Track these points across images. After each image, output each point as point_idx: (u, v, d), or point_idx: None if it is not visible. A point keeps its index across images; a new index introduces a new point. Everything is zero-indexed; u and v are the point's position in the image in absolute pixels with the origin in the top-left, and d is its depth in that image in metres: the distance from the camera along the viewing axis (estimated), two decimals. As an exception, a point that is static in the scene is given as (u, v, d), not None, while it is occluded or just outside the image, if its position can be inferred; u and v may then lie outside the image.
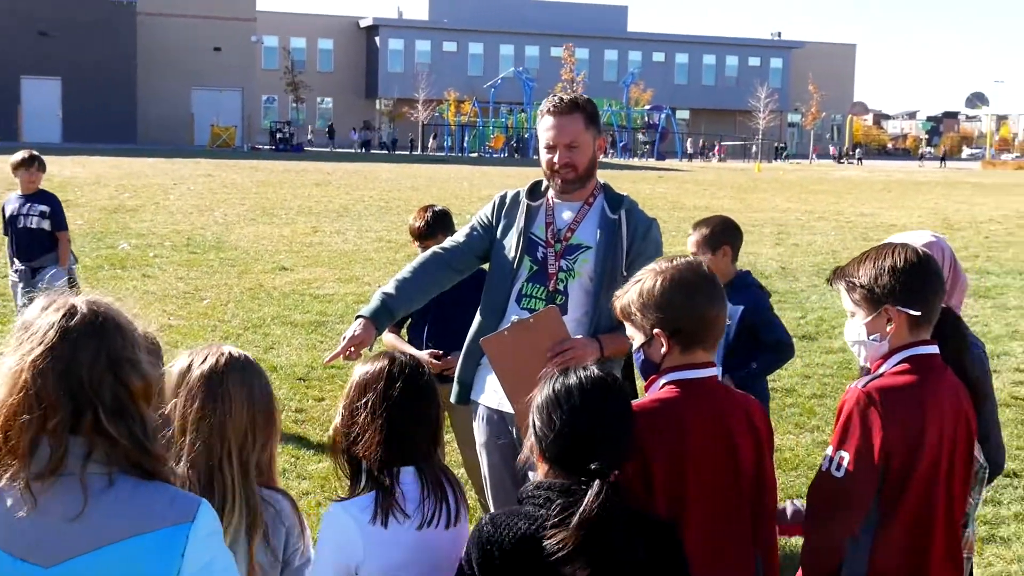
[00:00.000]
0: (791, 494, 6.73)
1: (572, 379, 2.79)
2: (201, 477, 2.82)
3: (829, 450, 3.22)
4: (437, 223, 6.19)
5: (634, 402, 3.01)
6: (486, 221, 4.70)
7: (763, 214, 28.40)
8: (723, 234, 5.84)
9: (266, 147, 63.26)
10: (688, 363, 3.12)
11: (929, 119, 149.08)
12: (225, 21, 65.66)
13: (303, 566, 2.98)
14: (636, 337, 3.20)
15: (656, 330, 3.12)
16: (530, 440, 2.81)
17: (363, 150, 69.60)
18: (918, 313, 3.25)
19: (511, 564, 2.64)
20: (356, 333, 4.25)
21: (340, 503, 3.07)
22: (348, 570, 2.97)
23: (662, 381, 3.14)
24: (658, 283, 3.13)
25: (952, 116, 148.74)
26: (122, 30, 60.35)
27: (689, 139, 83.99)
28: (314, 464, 7.30)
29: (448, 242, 4.80)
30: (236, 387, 2.89)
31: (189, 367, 2.92)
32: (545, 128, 4.43)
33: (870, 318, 3.30)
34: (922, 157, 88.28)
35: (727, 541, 3.10)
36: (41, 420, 2.20)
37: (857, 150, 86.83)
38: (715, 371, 3.21)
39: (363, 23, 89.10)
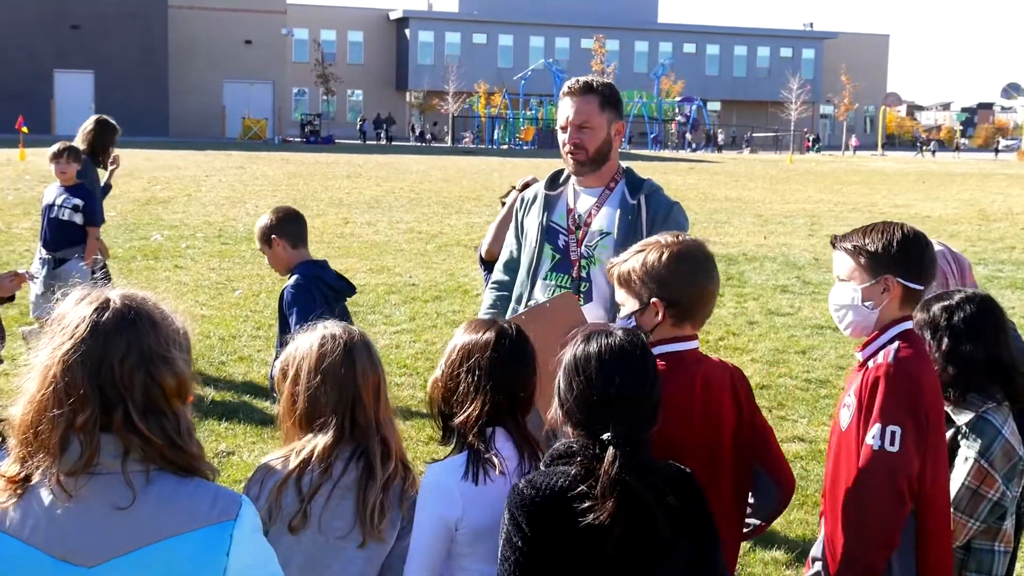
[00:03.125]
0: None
1: (592, 346, 2.84)
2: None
3: (875, 428, 3.22)
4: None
5: None
6: (515, 231, 4.74)
7: (795, 205, 28.25)
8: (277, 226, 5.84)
9: (297, 139, 63.42)
10: (675, 336, 3.28)
11: (963, 110, 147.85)
12: (256, 14, 65.87)
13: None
14: (628, 303, 3.34)
15: (654, 299, 3.26)
16: (555, 402, 2.88)
17: (387, 142, 69.32)
18: (920, 287, 3.37)
19: (558, 520, 2.70)
20: None
21: (437, 464, 3.19)
22: (448, 526, 3.03)
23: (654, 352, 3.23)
24: (664, 256, 3.26)
25: (987, 107, 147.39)
26: (154, 23, 60.70)
27: (720, 130, 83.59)
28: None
29: (497, 273, 4.84)
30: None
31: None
32: (561, 109, 4.46)
33: (867, 284, 3.37)
34: (921, 147, 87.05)
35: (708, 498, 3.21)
36: (71, 415, 2.17)
37: (932, 143, 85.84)
38: (697, 343, 3.36)
39: (393, 15, 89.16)
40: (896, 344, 3.33)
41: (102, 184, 10.32)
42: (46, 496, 2.19)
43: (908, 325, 3.39)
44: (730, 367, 3.46)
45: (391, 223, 21.14)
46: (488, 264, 6.41)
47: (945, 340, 3.77)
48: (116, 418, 2.19)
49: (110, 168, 10.48)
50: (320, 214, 21.98)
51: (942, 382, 3.59)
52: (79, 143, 9.83)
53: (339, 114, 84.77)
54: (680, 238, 3.33)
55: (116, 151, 10.26)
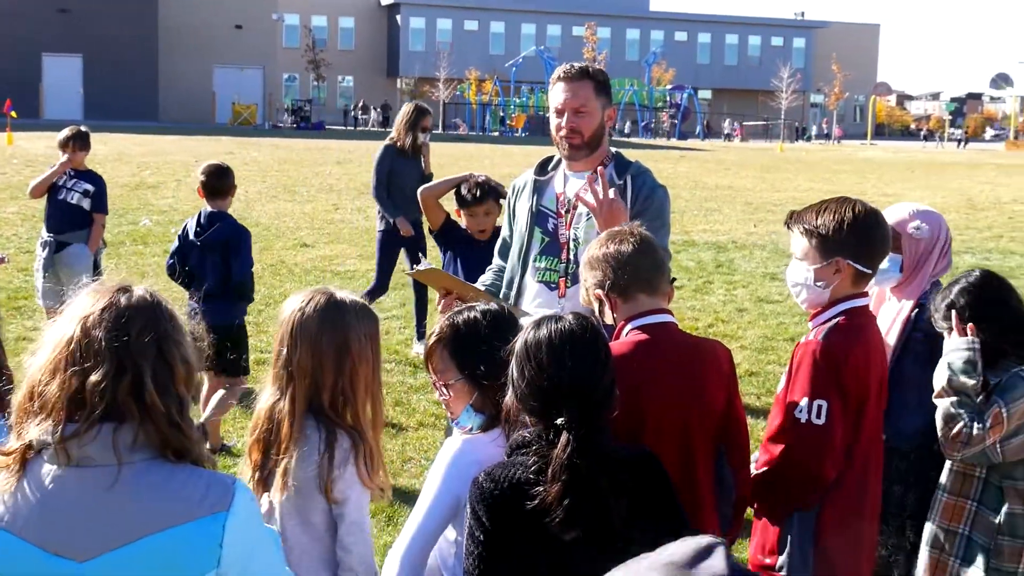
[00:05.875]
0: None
1: (543, 332, 2.84)
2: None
3: (804, 401, 3.36)
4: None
5: None
6: (507, 217, 4.84)
7: (785, 194, 28.27)
8: None
9: (287, 125, 63.26)
10: (641, 311, 3.32)
11: (953, 100, 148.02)
12: (246, -1, 65.68)
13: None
14: (595, 305, 3.44)
15: (596, 292, 3.36)
16: (508, 390, 2.88)
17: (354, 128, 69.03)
18: (869, 271, 3.49)
19: (518, 511, 2.69)
20: None
21: (464, 437, 3.15)
22: (459, 504, 3.02)
23: (628, 328, 3.32)
24: (592, 250, 3.44)
25: (976, 97, 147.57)
26: (143, 7, 60.41)
27: (708, 119, 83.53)
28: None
29: (495, 259, 4.94)
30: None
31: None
32: (555, 94, 4.47)
33: (819, 265, 3.49)
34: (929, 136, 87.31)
35: (688, 476, 3.23)
36: (85, 374, 2.19)
37: (958, 132, 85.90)
38: (671, 317, 3.39)
39: (384, 1, 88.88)
40: (835, 321, 3.46)
41: None
42: (39, 483, 2.19)
43: (858, 302, 3.51)
44: (718, 343, 3.54)
45: (381, 209, 21.07)
46: (436, 235, 6.63)
47: (968, 312, 3.86)
48: (126, 382, 2.21)
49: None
50: (310, 200, 21.95)
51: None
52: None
53: (330, 100, 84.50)
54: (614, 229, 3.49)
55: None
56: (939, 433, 3.80)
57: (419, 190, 6.54)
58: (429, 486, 3.07)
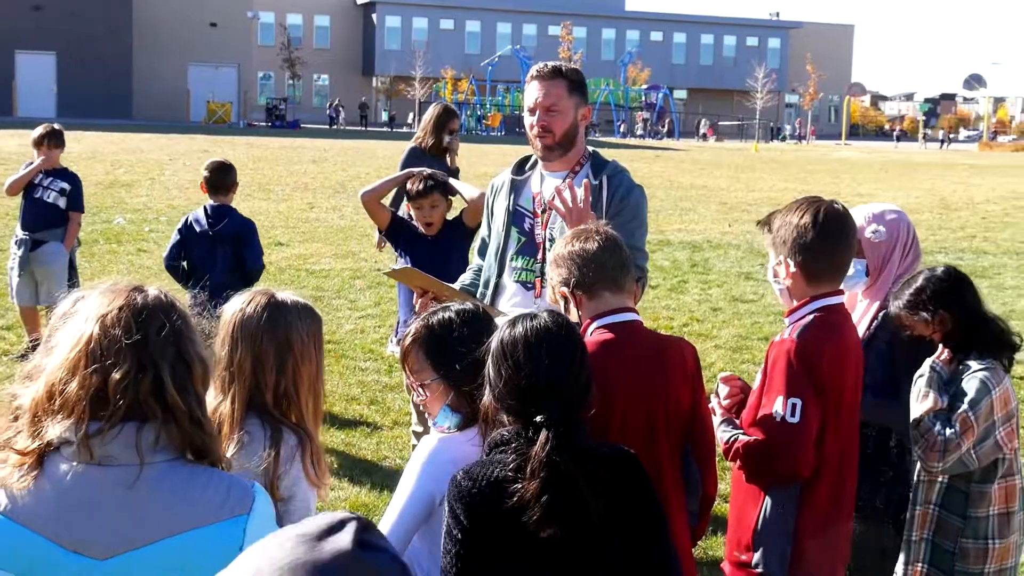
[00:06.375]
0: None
1: (519, 330, 2.84)
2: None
3: (778, 400, 3.38)
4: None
5: None
6: (486, 217, 4.84)
7: (760, 194, 28.38)
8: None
9: (262, 123, 63.02)
10: (606, 309, 3.35)
11: (927, 101, 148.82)
12: (221, -4, 65.37)
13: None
14: (560, 303, 3.46)
15: (561, 289, 3.38)
16: (486, 390, 2.88)
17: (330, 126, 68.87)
18: (817, 270, 3.48)
19: (496, 509, 2.69)
20: None
21: (440, 435, 3.14)
22: (433, 502, 3.01)
23: (593, 327, 3.35)
24: (558, 248, 3.47)
25: (949, 98, 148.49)
26: (117, 4, 60.01)
27: (684, 119, 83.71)
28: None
29: (474, 258, 4.96)
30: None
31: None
32: (528, 93, 4.48)
33: (774, 262, 3.59)
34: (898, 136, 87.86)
35: (654, 472, 3.22)
36: (106, 373, 2.18)
37: (941, 132, 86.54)
38: (637, 316, 3.41)
39: (360, 0, 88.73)
40: (810, 318, 3.48)
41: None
42: (58, 479, 2.18)
43: (826, 301, 3.51)
44: (684, 341, 3.57)
45: (356, 208, 20.93)
46: (385, 233, 6.78)
47: (932, 308, 3.90)
48: (147, 380, 2.20)
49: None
50: (285, 199, 21.89)
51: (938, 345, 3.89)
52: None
53: (305, 99, 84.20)
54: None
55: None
56: (917, 451, 3.85)
57: (360, 193, 6.63)
58: (404, 485, 3.07)
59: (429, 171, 6.52)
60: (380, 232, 6.75)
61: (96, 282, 2.37)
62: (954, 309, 3.89)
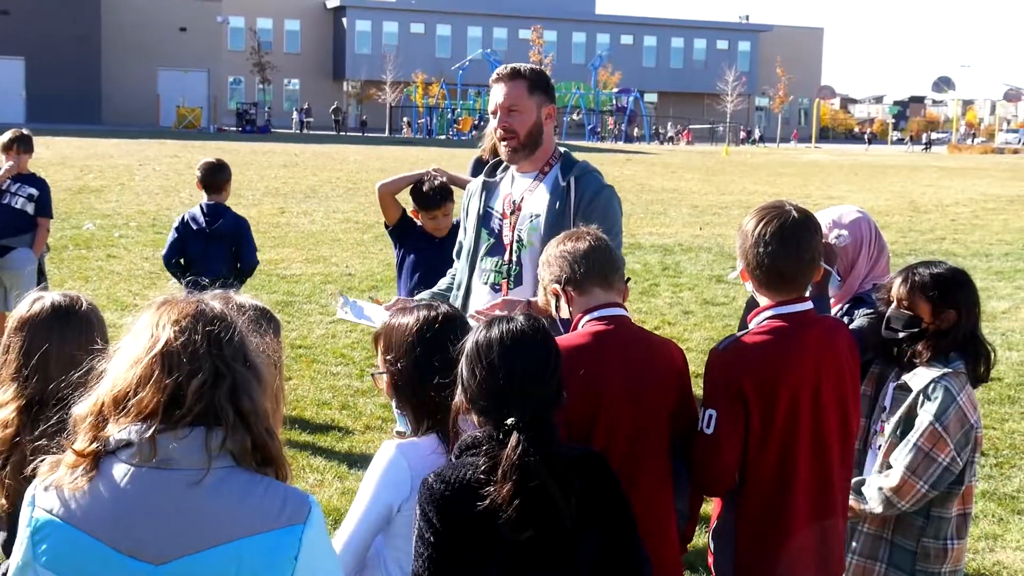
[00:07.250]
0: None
1: (493, 332, 2.84)
2: None
3: (702, 411, 3.37)
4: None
5: (561, 337, 3.16)
6: (463, 219, 4.82)
7: (731, 197, 28.50)
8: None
9: (233, 128, 62.78)
10: (597, 304, 3.36)
11: (896, 103, 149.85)
12: (191, 1, 65.06)
13: None
14: (551, 301, 3.48)
15: (553, 287, 3.41)
16: (458, 390, 2.87)
17: (337, 131, 68.79)
18: (766, 276, 3.41)
19: (468, 512, 2.68)
20: None
21: (398, 443, 3.10)
22: (391, 511, 2.99)
23: (585, 319, 3.35)
24: (549, 249, 3.51)
25: (919, 100, 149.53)
26: (86, 9, 59.71)
27: (656, 122, 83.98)
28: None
29: (456, 265, 4.90)
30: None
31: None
32: (492, 95, 4.50)
33: (739, 269, 3.56)
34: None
35: (639, 470, 3.22)
36: (186, 378, 2.19)
37: (923, 135, 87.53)
38: (626, 312, 3.43)
39: (330, 4, 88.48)
40: (754, 325, 3.47)
41: None
42: (115, 482, 2.17)
43: (783, 309, 3.42)
44: (670, 341, 3.56)
45: (327, 213, 21.02)
46: (391, 231, 6.76)
47: (943, 301, 3.88)
48: (224, 387, 2.21)
49: None
50: (255, 204, 21.80)
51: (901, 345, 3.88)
52: None
53: (275, 103, 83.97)
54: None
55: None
56: (895, 482, 3.80)
57: (377, 185, 6.65)
58: (361, 494, 3.05)
59: (443, 177, 6.48)
60: (386, 226, 6.75)
61: (66, 287, 2.36)
62: (961, 312, 3.88)
